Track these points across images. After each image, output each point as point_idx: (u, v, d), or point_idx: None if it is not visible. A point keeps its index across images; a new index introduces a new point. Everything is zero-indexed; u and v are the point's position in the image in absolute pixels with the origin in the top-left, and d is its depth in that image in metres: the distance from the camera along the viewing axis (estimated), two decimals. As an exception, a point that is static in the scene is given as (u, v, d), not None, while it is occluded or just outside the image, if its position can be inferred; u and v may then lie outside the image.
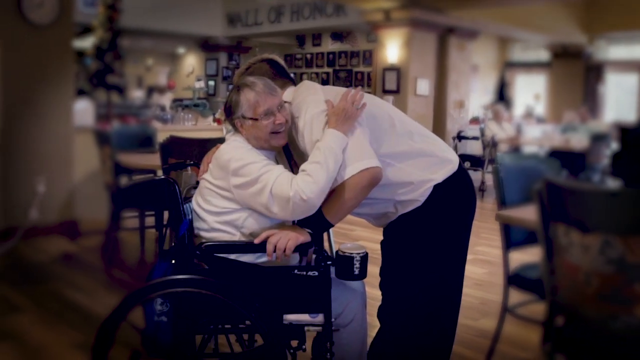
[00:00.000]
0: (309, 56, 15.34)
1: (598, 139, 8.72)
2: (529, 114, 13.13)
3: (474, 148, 10.83)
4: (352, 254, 2.46)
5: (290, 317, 2.47)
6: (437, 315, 2.59)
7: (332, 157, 2.30)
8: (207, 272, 2.42)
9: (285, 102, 2.52)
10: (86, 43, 7.96)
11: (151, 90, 12.36)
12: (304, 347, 2.51)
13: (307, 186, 2.27)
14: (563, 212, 2.05)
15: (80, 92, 7.33)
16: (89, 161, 6.65)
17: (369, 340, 2.72)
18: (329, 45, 14.86)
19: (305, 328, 2.50)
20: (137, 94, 10.88)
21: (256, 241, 2.38)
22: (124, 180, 5.40)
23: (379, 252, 2.68)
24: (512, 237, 3.16)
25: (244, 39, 14.88)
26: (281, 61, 2.76)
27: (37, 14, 6.23)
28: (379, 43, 10.70)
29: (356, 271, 2.47)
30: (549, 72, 15.18)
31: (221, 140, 2.71)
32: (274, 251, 2.35)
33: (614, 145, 8.67)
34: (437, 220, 2.53)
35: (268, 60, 2.73)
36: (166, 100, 12.16)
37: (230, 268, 2.42)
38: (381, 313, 2.64)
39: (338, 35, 14.52)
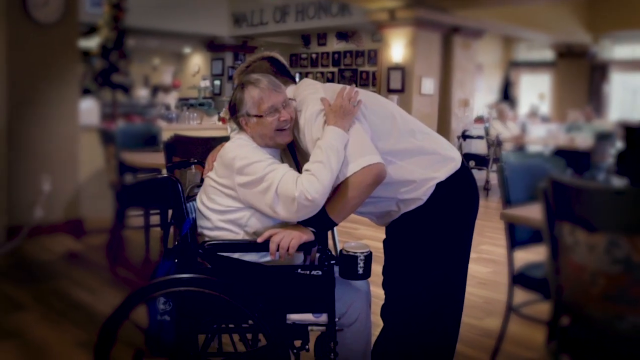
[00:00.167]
0: (314, 56, 15.36)
1: (603, 138, 8.70)
2: (533, 113, 13.11)
3: (479, 147, 10.81)
4: (356, 253, 2.44)
5: (294, 317, 2.45)
6: (440, 313, 2.57)
7: (335, 155, 2.28)
8: (210, 271, 2.40)
9: (290, 99, 2.50)
10: (93, 43, 7.97)
11: (156, 90, 12.37)
12: (307, 347, 2.50)
13: (311, 186, 2.25)
14: (569, 211, 2.04)
15: (86, 92, 7.34)
16: (94, 160, 6.66)
17: (373, 339, 2.71)
18: (334, 45, 14.87)
19: (309, 328, 2.47)
20: (142, 93, 10.88)
21: (259, 240, 2.37)
22: (128, 179, 5.40)
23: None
24: (517, 236, 3.15)
25: (249, 38, 14.89)
26: (282, 59, 2.74)
27: (42, 12, 6.24)
28: (384, 42, 10.70)
29: (360, 270, 2.45)
30: (554, 72, 15.16)
31: (226, 139, 2.69)
32: (277, 250, 2.34)
33: (619, 144, 8.66)
34: (440, 218, 2.51)
35: (268, 58, 2.72)
36: (171, 99, 12.18)
37: (232, 267, 2.40)
38: (384, 312, 2.63)
39: (343, 35, 14.53)
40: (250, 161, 2.37)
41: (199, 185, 2.71)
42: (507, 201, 3.11)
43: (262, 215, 2.41)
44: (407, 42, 10.21)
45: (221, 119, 9.36)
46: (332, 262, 2.42)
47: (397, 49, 10.32)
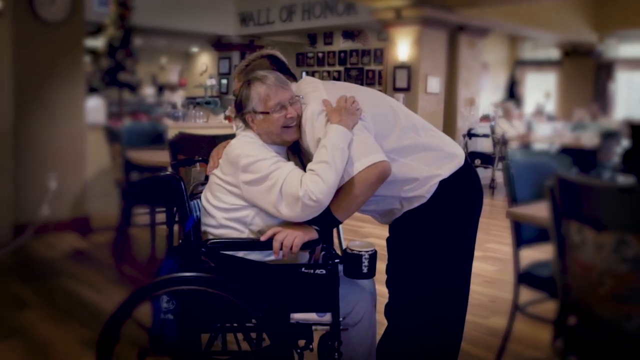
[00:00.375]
0: (320, 55, 15.37)
1: (609, 136, 8.68)
2: (539, 112, 13.08)
3: (485, 146, 10.81)
4: (360, 252, 2.42)
5: (297, 316, 2.44)
6: (444, 310, 2.55)
7: (339, 155, 2.26)
8: (214, 269, 2.39)
9: (296, 96, 2.48)
10: (100, 42, 7.99)
11: (162, 88, 12.40)
12: (311, 346, 2.48)
13: (316, 187, 2.22)
14: (576, 209, 2.02)
15: (92, 90, 7.36)
16: (101, 158, 6.67)
17: (379, 339, 2.70)
18: (341, 44, 14.87)
19: (313, 327, 2.46)
20: (148, 92, 10.91)
21: (262, 238, 2.35)
22: (134, 177, 5.41)
23: (389, 249, 2.66)
24: (523, 234, 3.13)
25: (256, 37, 14.90)
26: (282, 56, 2.72)
27: (48, 11, 6.25)
28: (390, 41, 10.69)
29: (365, 269, 2.43)
30: (559, 70, 15.14)
31: (231, 137, 2.68)
32: (281, 249, 2.32)
33: (625, 143, 8.65)
34: (444, 216, 2.49)
35: (268, 56, 2.70)
36: (177, 97, 12.21)
37: (236, 265, 2.39)
38: (388, 310, 2.61)
39: (349, 34, 14.53)
40: (256, 159, 2.35)
41: (204, 183, 2.70)
42: (513, 199, 3.10)
43: (268, 213, 2.38)
44: (413, 40, 10.20)
45: (227, 117, 9.37)
46: (336, 260, 2.40)
47: (403, 47, 10.31)
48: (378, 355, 2.64)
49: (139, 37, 8.53)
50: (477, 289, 4.77)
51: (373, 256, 2.44)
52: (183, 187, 2.47)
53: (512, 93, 14.63)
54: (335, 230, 2.97)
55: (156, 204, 5.35)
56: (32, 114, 6.23)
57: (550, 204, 2.12)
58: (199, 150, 4.17)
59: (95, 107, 7.05)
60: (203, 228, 2.50)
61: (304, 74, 14.76)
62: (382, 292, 2.74)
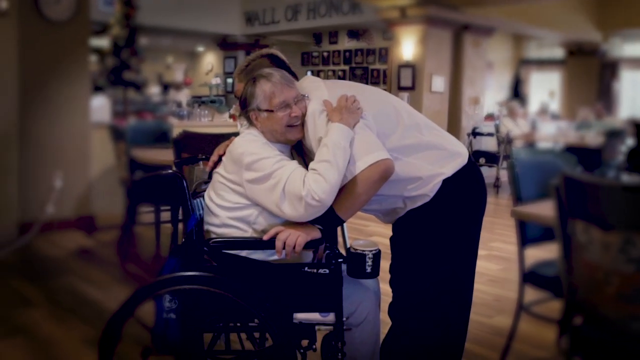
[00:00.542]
0: (325, 54, 15.36)
1: (613, 135, 8.66)
2: (543, 111, 13.05)
3: (489, 144, 10.79)
4: (364, 251, 2.40)
5: (301, 316, 2.42)
6: (448, 309, 2.53)
7: (341, 153, 2.24)
8: (216, 268, 2.38)
9: (302, 95, 2.46)
10: (105, 41, 8.00)
11: (167, 87, 12.40)
12: (314, 346, 2.47)
13: (318, 186, 2.20)
14: (582, 209, 2.01)
15: (97, 89, 7.37)
16: (105, 157, 6.69)
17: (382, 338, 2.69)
18: (345, 43, 14.85)
19: (316, 327, 2.44)
20: (153, 90, 10.91)
21: (265, 237, 2.33)
22: (138, 176, 5.41)
23: (393, 248, 2.64)
24: (528, 233, 3.12)
25: (261, 37, 14.90)
26: (282, 55, 2.70)
27: (54, 10, 6.26)
28: (395, 40, 10.68)
29: (368, 269, 2.41)
30: (564, 70, 15.12)
31: (235, 135, 2.66)
32: (283, 248, 2.30)
33: (629, 142, 8.63)
34: (447, 214, 2.47)
35: (268, 55, 2.68)
36: (182, 96, 12.20)
37: (238, 265, 2.37)
38: (391, 309, 2.59)
39: (354, 33, 14.52)
40: (259, 157, 2.33)
41: (207, 182, 2.68)
42: (518, 198, 3.09)
43: (271, 213, 2.36)
44: (418, 40, 10.19)
45: (232, 116, 9.37)
46: (339, 260, 2.38)
47: (407, 46, 10.31)
48: (382, 354, 2.63)
49: (145, 36, 8.53)
50: (482, 288, 4.76)
51: (377, 255, 2.42)
52: (185, 185, 2.46)
53: (517, 92, 14.62)
54: (339, 228, 2.96)
55: (160, 202, 5.35)
56: (37, 113, 6.24)
57: (556, 203, 2.11)
58: (202, 148, 4.18)
59: (100, 106, 7.05)
60: (206, 227, 2.49)
61: (309, 73, 14.74)
62: (387, 291, 2.73)
